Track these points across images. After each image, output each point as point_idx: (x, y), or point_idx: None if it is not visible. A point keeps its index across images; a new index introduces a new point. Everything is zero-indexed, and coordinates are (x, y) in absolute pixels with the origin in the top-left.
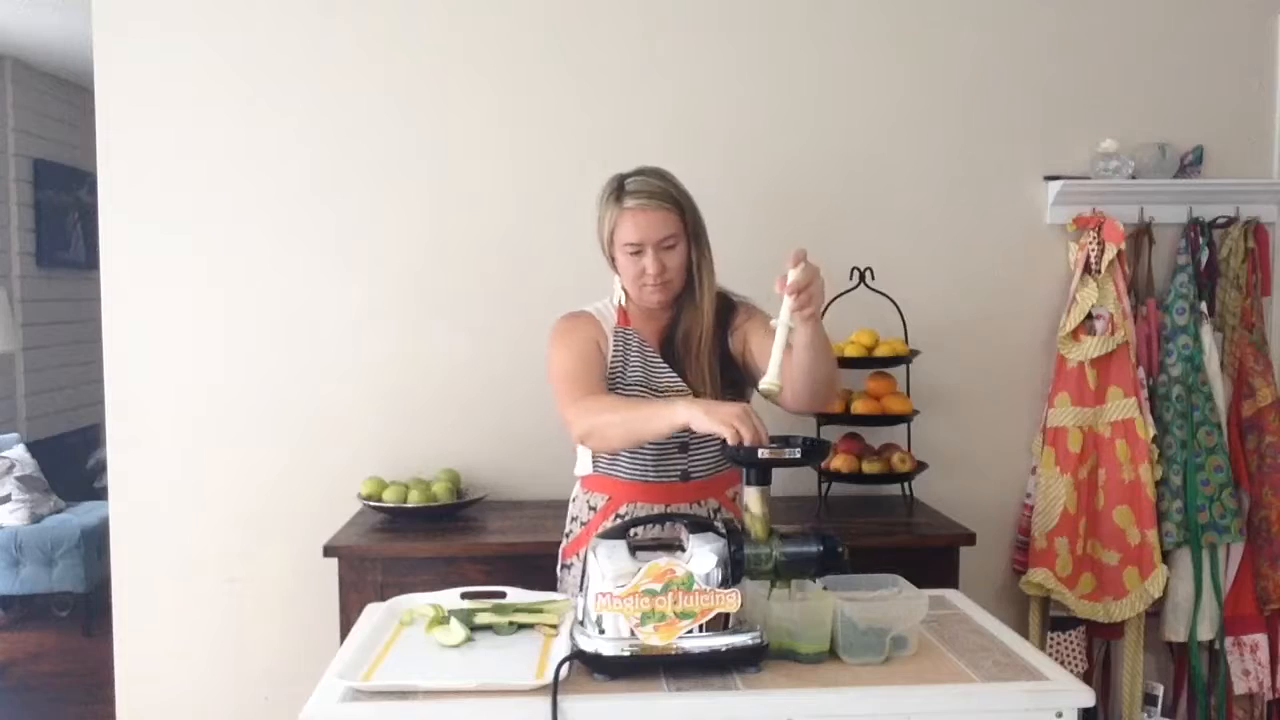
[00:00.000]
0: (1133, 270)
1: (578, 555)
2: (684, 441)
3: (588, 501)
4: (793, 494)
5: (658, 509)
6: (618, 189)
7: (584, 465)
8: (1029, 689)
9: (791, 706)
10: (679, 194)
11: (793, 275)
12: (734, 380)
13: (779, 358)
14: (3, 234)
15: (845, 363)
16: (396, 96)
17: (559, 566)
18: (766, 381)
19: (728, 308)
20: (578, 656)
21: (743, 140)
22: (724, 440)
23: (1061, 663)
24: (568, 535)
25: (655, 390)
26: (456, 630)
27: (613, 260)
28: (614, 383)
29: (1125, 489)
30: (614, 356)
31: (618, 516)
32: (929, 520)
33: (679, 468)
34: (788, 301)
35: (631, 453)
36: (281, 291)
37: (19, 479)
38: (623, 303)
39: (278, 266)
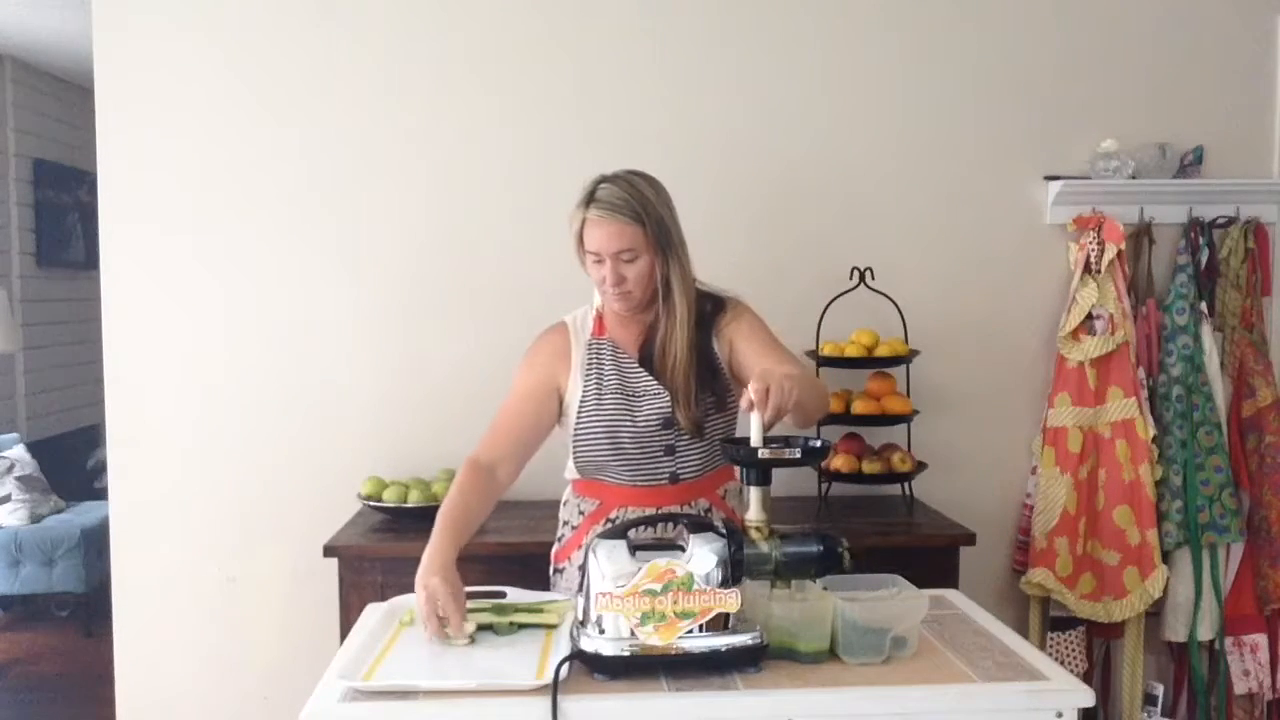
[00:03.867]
0: (1133, 270)
1: (570, 559)
2: (670, 445)
3: (578, 506)
4: (793, 494)
5: (649, 511)
6: (590, 194)
7: (573, 469)
8: (1029, 689)
9: (791, 706)
10: (644, 207)
11: (747, 394)
12: (714, 391)
13: (758, 429)
14: (3, 234)
15: (845, 363)
16: (396, 96)
17: (551, 570)
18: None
19: (714, 308)
20: (578, 656)
21: (743, 141)
22: (724, 440)
23: (1061, 663)
24: (559, 539)
25: (634, 395)
26: None
27: (583, 263)
28: (592, 393)
29: (1125, 489)
30: (588, 368)
31: (609, 520)
32: (929, 520)
33: (667, 470)
34: (756, 417)
35: (618, 458)
36: (281, 291)
37: (19, 479)
38: (599, 309)
39: (278, 266)
